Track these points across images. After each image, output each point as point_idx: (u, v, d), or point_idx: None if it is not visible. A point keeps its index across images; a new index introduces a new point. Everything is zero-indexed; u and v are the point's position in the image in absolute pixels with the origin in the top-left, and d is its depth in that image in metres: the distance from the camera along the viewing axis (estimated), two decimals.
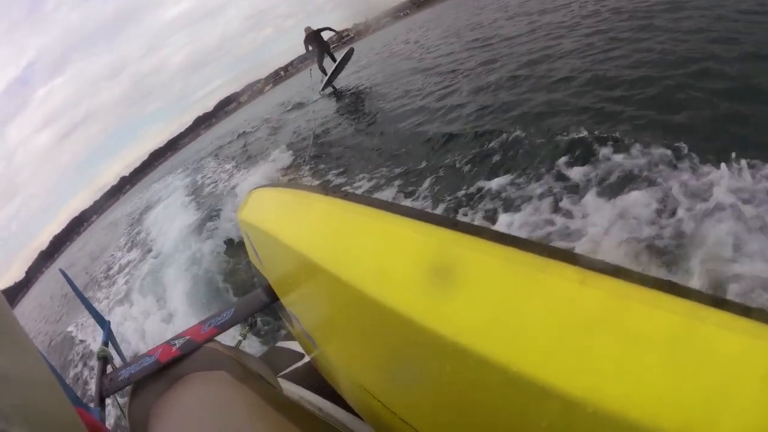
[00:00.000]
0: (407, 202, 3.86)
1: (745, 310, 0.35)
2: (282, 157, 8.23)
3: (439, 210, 3.36)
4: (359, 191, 4.88)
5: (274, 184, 1.27)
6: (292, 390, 1.33)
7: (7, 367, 0.36)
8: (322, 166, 6.41)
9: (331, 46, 14.28)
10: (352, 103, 10.28)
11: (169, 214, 10.56)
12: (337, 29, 14.80)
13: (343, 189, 0.87)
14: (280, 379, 1.28)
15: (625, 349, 0.37)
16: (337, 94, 12.90)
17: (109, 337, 1.47)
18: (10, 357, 0.37)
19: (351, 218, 0.71)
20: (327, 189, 0.83)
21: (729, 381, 0.32)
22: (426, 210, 1.09)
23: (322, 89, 14.03)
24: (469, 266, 0.50)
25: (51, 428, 0.38)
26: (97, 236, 23.37)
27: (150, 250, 8.58)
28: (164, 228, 9.47)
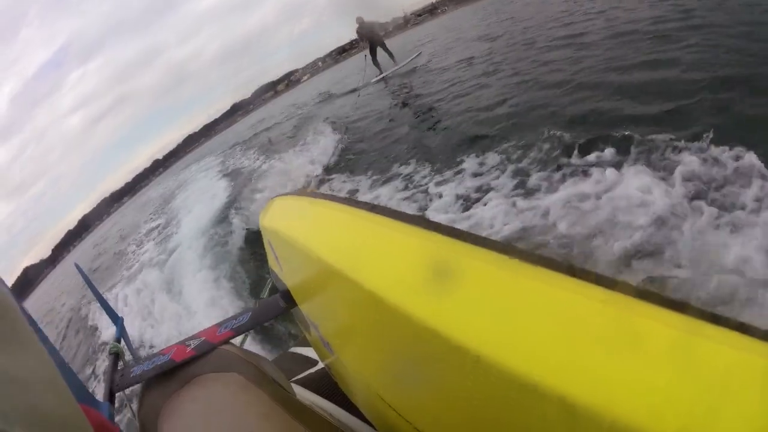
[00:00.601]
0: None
1: (740, 326, 0.36)
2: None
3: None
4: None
5: (296, 192, 1.28)
6: (305, 395, 1.32)
7: (9, 365, 0.35)
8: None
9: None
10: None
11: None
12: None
13: (366, 201, 0.87)
14: (293, 384, 1.27)
15: (626, 360, 0.38)
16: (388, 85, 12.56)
17: (121, 333, 1.46)
18: (13, 355, 0.36)
19: (374, 228, 0.71)
20: (350, 199, 0.84)
21: (725, 393, 0.34)
22: (450, 225, 0.66)
23: (374, 81, 13.49)
24: (488, 279, 0.51)
25: (55, 428, 0.37)
26: (127, 217, 23.67)
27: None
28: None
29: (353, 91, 14.06)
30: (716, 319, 0.37)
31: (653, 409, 0.34)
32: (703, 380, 0.34)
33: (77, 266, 2.08)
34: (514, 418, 0.45)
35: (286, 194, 1.22)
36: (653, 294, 0.40)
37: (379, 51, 13.68)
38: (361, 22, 13.56)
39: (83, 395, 0.99)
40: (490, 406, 0.47)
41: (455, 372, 0.50)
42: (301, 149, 9.79)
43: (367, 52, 13.94)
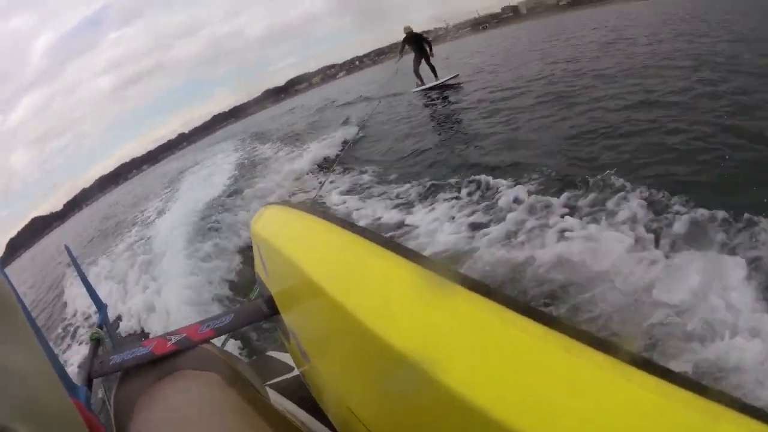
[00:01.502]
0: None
1: (665, 373, 0.39)
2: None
3: None
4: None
5: (288, 202, 1.33)
6: (278, 400, 1.34)
7: (7, 359, 0.35)
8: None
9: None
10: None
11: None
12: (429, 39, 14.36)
13: (357, 224, 0.83)
14: (267, 388, 1.29)
15: (597, 417, 0.39)
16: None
17: (104, 320, 1.50)
18: (11, 349, 0.36)
19: (360, 252, 0.73)
20: (342, 219, 0.85)
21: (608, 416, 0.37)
22: (429, 257, 0.70)
23: (416, 90, 13.67)
24: (463, 315, 0.53)
25: (51, 421, 0.37)
26: (145, 184, 23.77)
27: None
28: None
29: (369, 99, 14.96)
30: (695, 388, 0.38)
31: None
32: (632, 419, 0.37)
33: (67, 249, 2.13)
34: None
35: (279, 203, 1.23)
36: (630, 354, 0.42)
37: (423, 63, 13.65)
38: (409, 31, 13.63)
39: (64, 380, 0.99)
40: (453, 430, 0.49)
41: (423, 398, 0.52)
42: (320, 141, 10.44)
43: (397, 61, 14.08)
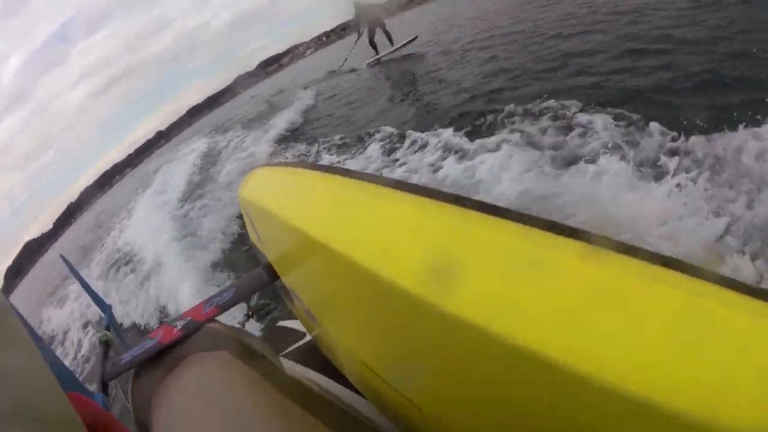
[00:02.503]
0: None
1: (749, 290, 0.35)
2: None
3: None
4: None
5: (276, 163, 1.27)
6: (294, 369, 1.33)
7: (3, 363, 0.35)
8: None
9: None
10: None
11: None
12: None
13: (349, 169, 0.78)
14: (281, 358, 1.27)
15: (630, 325, 0.37)
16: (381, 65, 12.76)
17: (110, 322, 1.48)
18: (7, 353, 0.36)
19: (354, 195, 0.71)
20: (330, 167, 0.82)
21: (734, 358, 0.33)
22: (428, 186, 0.67)
23: (370, 64, 13.66)
24: (472, 241, 0.50)
25: (48, 424, 0.37)
26: (126, 190, 23.70)
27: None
28: None
29: (333, 72, 15.40)
30: (722, 282, 0.36)
31: (661, 374, 0.33)
32: (712, 343, 0.34)
33: (63, 258, 2.10)
34: (502, 382, 0.45)
35: (266, 165, 1.20)
36: (662, 257, 0.40)
37: (378, 32, 13.60)
38: (356, 4, 13.68)
39: (78, 388, 1.01)
40: (472, 367, 0.48)
41: (441, 338, 0.49)
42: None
43: (357, 35, 14.26)
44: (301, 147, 7.95)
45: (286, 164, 1.09)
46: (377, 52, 13.74)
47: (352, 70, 14.48)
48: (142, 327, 4.86)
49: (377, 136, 6.07)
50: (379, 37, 13.73)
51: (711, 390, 0.32)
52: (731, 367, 0.32)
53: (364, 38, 14.03)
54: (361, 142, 6.27)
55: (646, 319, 0.36)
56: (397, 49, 12.92)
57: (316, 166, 0.90)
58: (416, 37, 12.79)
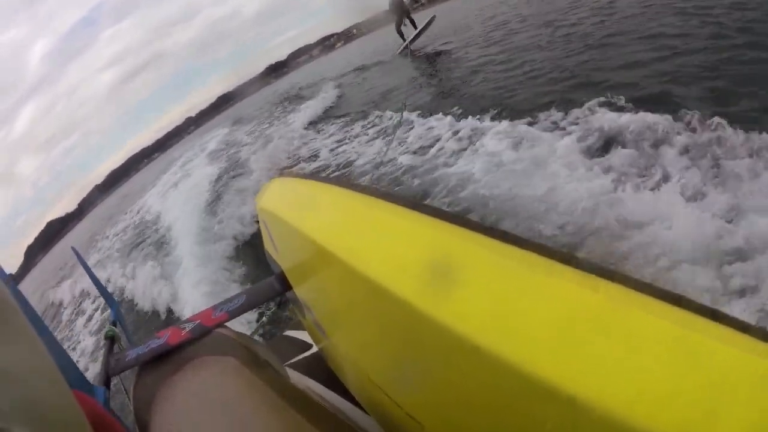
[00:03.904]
0: None
1: (740, 325, 0.37)
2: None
3: None
4: None
5: (294, 174, 1.26)
6: (299, 379, 1.32)
7: (7, 361, 0.34)
8: None
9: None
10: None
11: None
12: None
13: (367, 185, 0.83)
14: (287, 368, 1.26)
15: (627, 353, 0.38)
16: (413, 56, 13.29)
17: (117, 317, 1.49)
18: (11, 350, 0.36)
19: (371, 212, 0.71)
20: (348, 182, 0.84)
21: (723, 389, 0.34)
22: (447, 210, 0.66)
23: (399, 52, 14.55)
24: (483, 265, 0.51)
25: (53, 423, 0.37)
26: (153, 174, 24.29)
27: None
28: None
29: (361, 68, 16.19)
30: (717, 317, 0.37)
31: (653, 404, 0.34)
32: (703, 378, 0.34)
33: (74, 250, 2.14)
34: (506, 406, 0.45)
35: (284, 176, 1.21)
36: (656, 288, 0.41)
37: (405, 22, 14.64)
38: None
39: (79, 381, 1.01)
40: (478, 391, 0.48)
41: (450, 359, 0.50)
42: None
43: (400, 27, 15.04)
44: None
45: (303, 176, 1.10)
46: (404, 39, 14.67)
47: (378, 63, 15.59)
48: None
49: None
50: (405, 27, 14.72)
51: (702, 416, 0.33)
52: (718, 396, 0.33)
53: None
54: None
55: (644, 350, 0.37)
56: (419, 31, 13.87)
57: (333, 180, 0.91)
58: (434, 16, 13.82)
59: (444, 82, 8.34)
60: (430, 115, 6.18)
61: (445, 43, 12.87)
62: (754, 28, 4.30)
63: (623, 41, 5.81)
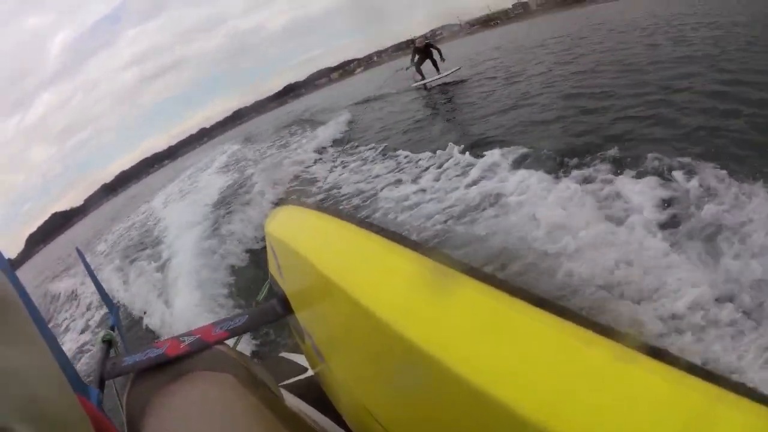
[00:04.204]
0: None
1: (730, 384, 0.38)
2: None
3: None
4: None
5: (302, 203, 1.29)
6: (293, 401, 1.34)
7: (10, 360, 0.35)
8: None
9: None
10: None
11: None
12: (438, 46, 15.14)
13: (373, 222, 0.82)
14: (281, 389, 1.27)
15: (614, 402, 0.39)
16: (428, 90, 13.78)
17: (116, 322, 1.49)
18: (13, 349, 0.36)
19: (374, 249, 0.74)
20: (356, 218, 0.86)
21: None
22: (449, 254, 0.69)
23: (414, 85, 14.87)
24: (483, 311, 0.53)
25: (53, 421, 0.37)
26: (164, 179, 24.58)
27: None
28: None
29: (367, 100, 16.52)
30: (702, 374, 0.39)
31: None
32: (674, 424, 0.36)
33: (78, 251, 2.14)
34: None
35: (293, 204, 1.24)
36: (646, 345, 0.42)
37: (427, 62, 14.67)
38: (420, 43, 14.81)
39: (74, 381, 1.01)
40: (474, 429, 0.49)
41: (443, 393, 0.52)
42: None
43: (407, 69, 15.41)
44: None
45: (311, 206, 1.14)
46: (423, 78, 14.81)
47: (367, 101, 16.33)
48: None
49: None
50: (425, 66, 14.82)
51: None
52: None
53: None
54: None
55: (631, 407, 0.39)
56: (441, 77, 13.96)
57: (340, 214, 0.92)
58: (460, 67, 13.84)
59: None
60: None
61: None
62: None
63: None
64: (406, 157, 6.78)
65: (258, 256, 5.30)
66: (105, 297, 1.77)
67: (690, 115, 4.82)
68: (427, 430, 0.60)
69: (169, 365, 0.93)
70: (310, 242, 0.96)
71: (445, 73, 13.90)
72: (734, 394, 0.37)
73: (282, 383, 1.55)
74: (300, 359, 1.75)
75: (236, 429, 0.70)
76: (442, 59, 14.41)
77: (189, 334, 1.03)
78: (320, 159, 9.39)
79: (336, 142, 10.57)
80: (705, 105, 4.93)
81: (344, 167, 7.82)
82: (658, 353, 0.41)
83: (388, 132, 9.41)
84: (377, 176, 6.41)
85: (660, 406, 0.38)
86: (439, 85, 13.78)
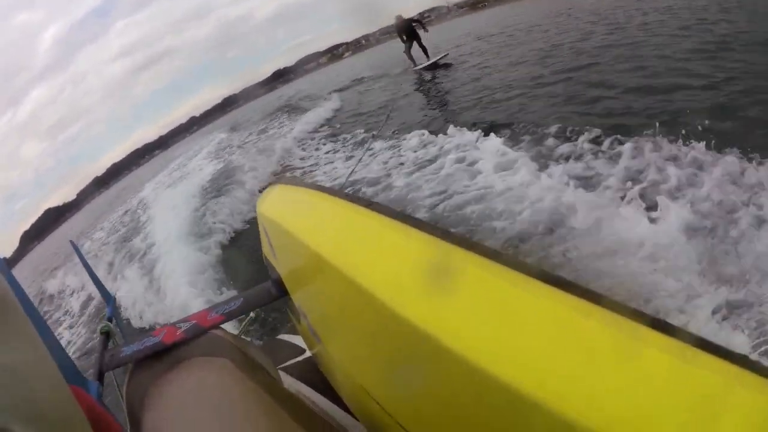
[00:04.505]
0: None
1: (730, 355, 0.38)
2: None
3: None
4: None
5: (295, 181, 1.36)
6: (291, 383, 1.34)
7: (7, 359, 0.35)
8: None
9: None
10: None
11: None
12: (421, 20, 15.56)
13: (366, 198, 0.87)
14: (279, 371, 1.29)
15: (614, 374, 0.39)
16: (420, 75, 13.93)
17: (113, 313, 1.50)
18: (11, 348, 0.36)
19: (370, 225, 0.72)
20: (350, 194, 0.85)
21: (709, 420, 0.35)
22: (443, 228, 0.71)
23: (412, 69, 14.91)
24: (478, 284, 0.52)
25: (51, 420, 0.37)
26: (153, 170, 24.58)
27: None
28: None
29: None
30: (705, 345, 0.39)
31: (636, 425, 0.35)
32: (688, 404, 0.36)
33: (72, 243, 2.16)
34: (494, 419, 0.46)
35: (285, 182, 1.22)
36: (642, 313, 0.42)
37: (414, 45, 14.81)
38: (399, 19, 14.89)
39: (73, 375, 1.02)
40: (471, 407, 0.49)
41: (440, 371, 0.51)
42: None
43: (406, 50, 15.29)
44: None
45: (304, 184, 1.12)
46: (415, 64, 14.97)
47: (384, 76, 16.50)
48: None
49: None
50: (415, 51, 14.95)
51: None
52: (708, 420, 0.35)
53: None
54: None
55: (637, 378, 0.38)
56: (431, 63, 14.07)
57: (333, 191, 0.92)
58: (448, 53, 14.25)
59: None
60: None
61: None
62: None
63: None
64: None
65: (247, 237, 5.49)
66: (101, 288, 1.77)
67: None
68: (424, 407, 0.60)
69: (167, 353, 0.94)
70: (302, 221, 0.95)
71: (434, 59, 14.14)
72: (747, 371, 0.37)
73: (280, 365, 1.55)
74: (297, 340, 1.76)
75: (235, 414, 0.70)
76: (425, 30, 14.83)
77: (185, 320, 1.04)
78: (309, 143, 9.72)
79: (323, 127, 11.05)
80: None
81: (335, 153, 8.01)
82: (671, 330, 0.40)
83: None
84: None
85: (677, 384, 0.37)
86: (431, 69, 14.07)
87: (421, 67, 14.36)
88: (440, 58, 14.09)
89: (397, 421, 0.66)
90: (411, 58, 15.05)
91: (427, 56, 14.52)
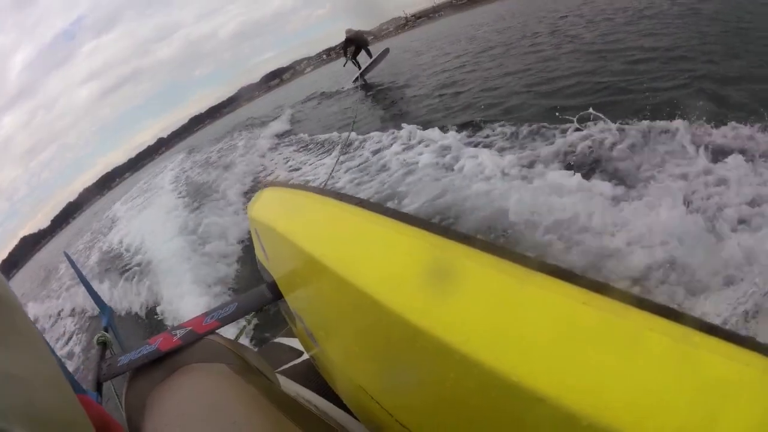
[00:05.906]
0: None
1: (736, 338, 0.38)
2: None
3: None
4: None
5: (285, 183, 1.30)
6: (290, 386, 1.34)
7: (10, 363, 0.35)
8: None
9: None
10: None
11: None
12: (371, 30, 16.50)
13: (356, 196, 0.90)
14: (278, 375, 1.29)
15: (620, 367, 0.39)
16: (366, 87, 14.70)
17: (109, 323, 1.52)
18: (15, 353, 0.37)
19: (360, 223, 0.73)
20: (340, 194, 0.84)
21: (717, 402, 0.35)
22: (435, 222, 0.86)
23: (354, 81, 15.82)
24: (473, 278, 0.52)
25: (54, 424, 0.37)
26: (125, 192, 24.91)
27: None
28: None
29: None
30: (710, 329, 0.38)
31: (641, 416, 0.35)
32: (696, 388, 0.36)
33: (66, 255, 2.12)
34: (495, 415, 0.46)
35: (276, 185, 1.22)
36: (645, 300, 0.41)
37: (362, 54, 15.97)
38: (349, 32, 15.89)
39: (74, 386, 1.00)
40: (470, 401, 0.49)
41: (437, 366, 0.51)
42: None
43: (345, 64, 16.79)
44: None
45: (294, 186, 1.12)
46: (359, 67, 16.02)
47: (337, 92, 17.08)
48: None
49: None
50: (362, 57, 15.90)
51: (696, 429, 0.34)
52: (713, 409, 0.35)
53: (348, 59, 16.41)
54: None
55: (639, 364, 0.38)
56: (374, 61, 15.52)
57: (322, 191, 0.92)
58: (387, 48, 15.84)
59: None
60: None
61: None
62: None
63: None
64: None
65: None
66: (96, 298, 1.75)
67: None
68: (423, 404, 0.60)
69: (164, 360, 0.94)
70: (293, 223, 0.95)
71: (375, 55, 15.44)
72: (756, 354, 0.37)
73: (279, 369, 1.55)
74: (294, 343, 1.74)
75: (233, 418, 0.69)
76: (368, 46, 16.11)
77: (180, 327, 1.04)
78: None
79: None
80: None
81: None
82: (677, 316, 0.40)
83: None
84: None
85: (686, 369, 0.37)
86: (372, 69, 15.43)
87: (366, 65, 15.60)
88: (381, 54, 15.33)
89: (397, 420, 0.65)
90: (357, 63, 16.08)
91: (370, 57, 15.64)
